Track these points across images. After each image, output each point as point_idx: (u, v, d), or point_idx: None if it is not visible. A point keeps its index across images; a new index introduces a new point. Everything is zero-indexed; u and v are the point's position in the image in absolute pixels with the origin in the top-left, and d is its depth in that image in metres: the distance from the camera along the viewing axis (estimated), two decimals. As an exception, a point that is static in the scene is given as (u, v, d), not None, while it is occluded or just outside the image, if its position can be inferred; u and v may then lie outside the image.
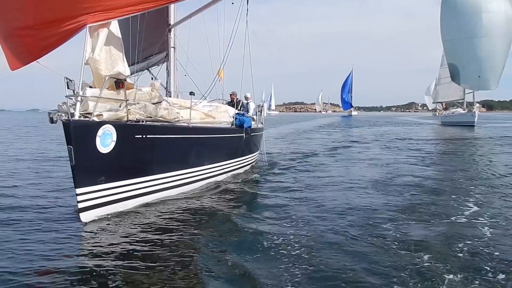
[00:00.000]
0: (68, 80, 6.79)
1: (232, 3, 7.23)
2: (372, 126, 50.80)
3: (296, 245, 5.44)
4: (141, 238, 5.82)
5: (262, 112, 14.13)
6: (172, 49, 10.67)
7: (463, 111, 47.94)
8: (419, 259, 4.94)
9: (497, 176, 11.29)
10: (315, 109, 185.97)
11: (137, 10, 6.89)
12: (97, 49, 6.76)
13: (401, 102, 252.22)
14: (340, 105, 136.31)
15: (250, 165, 12.71)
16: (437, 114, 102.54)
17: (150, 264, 4.83)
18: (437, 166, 13.78)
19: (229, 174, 10.76)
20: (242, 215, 7.06)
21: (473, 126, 41.43)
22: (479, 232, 6.09)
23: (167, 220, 6.77)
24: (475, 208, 7.52)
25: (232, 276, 4.51)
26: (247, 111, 12.68)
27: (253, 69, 12.09)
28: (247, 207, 7.79)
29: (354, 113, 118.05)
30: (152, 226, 6.41)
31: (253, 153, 12.95)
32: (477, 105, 46.09)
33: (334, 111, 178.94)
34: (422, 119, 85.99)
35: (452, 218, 6.86)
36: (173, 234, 6.04)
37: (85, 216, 6.48)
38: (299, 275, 4.50)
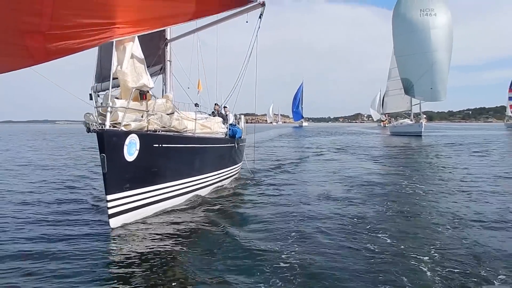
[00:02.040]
0: (93, 92, 7.08)
1: (247, 22, 7.72)
2: (328, 135, 52.90)
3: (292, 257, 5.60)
4: (161, 243, 6.11)
5: (242, 122, 14.70)
6: (168, 62, 11.00)
7: (411, 122, 50.74)
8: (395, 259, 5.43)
9: (450, 177, 13.16)
10: (266, 120, 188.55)
11: (164, 25, 7.25)
12: (124, 62, 7.08)
13: (348, 113, 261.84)
14: (290, 116, 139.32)
15: (238, 173, 13.24)
16: (382, 125, 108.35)
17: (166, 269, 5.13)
18: (402, 171, 15.02)
19: (225, 181, 11.26)
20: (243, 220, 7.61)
21: (420, 136, 43.94)
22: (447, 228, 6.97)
23: (184, 226, 7.10)
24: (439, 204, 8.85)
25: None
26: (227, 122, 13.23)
27: (208, 80, 12.74)
28: (247, 212, 8.25)
29: (304, 124, 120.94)
30: (171, 232, 6.72)
31: (240, 161, 13.51)
32: (424, 116, 49.03)
33: (285, 122, 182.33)
34: (369, 129, 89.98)
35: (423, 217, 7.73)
36: (187, 241, 6.34)
37: (113, 222, 6.74)
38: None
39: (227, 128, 11.52)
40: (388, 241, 6.20)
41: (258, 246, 5.89)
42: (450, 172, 14.44)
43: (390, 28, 45.22)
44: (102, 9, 6.62)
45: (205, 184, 9.84)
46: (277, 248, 5.83)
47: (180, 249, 5.88)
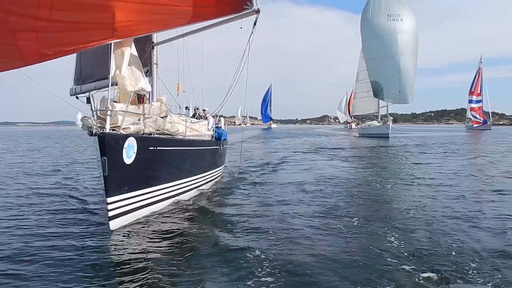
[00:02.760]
0: (89, 96, 7.14)
1: (241, 28, 7.93)
2: (297, 137, 53.79)
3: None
4: (159, 244, 6.26)
5: (222, 124, 14.88)
6: (154, 65, 11.05)
7: (378, 124, 52.12)
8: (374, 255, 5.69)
9: (415, 173, 14.84)
10: (234, 122, 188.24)
11: (161, 28, 7.35)
12: (123, 66, 7.15)
13: (315, 115, 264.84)
14: (258, 118, 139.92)
15: (221, 175, 13.40)
16: (348, 127, 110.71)
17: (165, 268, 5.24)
18: (374, 170, 16.36)
19: (211, 182, 11.43)
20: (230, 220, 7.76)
21: (388, 137, 45.20)
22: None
23: (179, 226, 7.27)
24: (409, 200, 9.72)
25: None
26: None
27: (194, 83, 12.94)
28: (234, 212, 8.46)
29: (273, 125, 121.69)
30: (165, 233, 6.86)
31: (223, 163, 13.67)
32: (390, 118, 50.45)
33: (253, 124, 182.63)
34: (337, 131, 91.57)
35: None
36: (182, 239, 6.51)
37: (113, 224, 6.81)
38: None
39: (213, 130, 11.72)
40: (356, 223, 7.29)
41: (249, 245, 6.11)
42: (415, 169, 16.12)
43: (355, 32, 46.54)
44: (99, 10, 6.65)
45: (194, 185, 9.99)
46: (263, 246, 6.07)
47: (176, 249, 6.02)
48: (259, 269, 5.14)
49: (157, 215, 7.92)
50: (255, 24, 7.75)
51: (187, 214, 8.20)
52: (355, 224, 7.34)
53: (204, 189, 10.66)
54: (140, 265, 5.30)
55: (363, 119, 61.70)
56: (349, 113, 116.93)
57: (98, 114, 7.06)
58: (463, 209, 8.50)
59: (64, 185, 12.03)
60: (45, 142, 42.79)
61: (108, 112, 6.74)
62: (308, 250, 5.85)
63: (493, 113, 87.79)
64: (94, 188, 11.28)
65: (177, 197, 9.02)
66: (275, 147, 32.58)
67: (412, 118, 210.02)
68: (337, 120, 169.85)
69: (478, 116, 78.46)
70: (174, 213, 8.22)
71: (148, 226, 7.21)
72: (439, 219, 7.66)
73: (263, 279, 4.86)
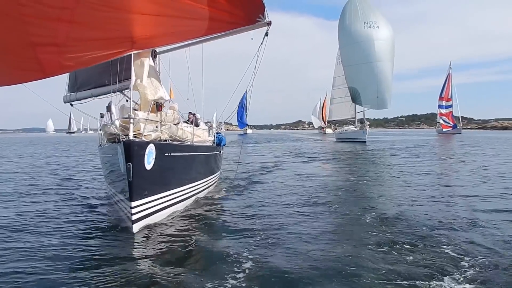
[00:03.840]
0: (108, 105, 7.35)
1: (252, 39, 8.25)
2: (276, 142, 54.32)
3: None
4: (176, 245, 6.46)
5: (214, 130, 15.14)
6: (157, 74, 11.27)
7: (356, 129, 53.20)
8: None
9: (392, 173, 16.29)
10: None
11: (177, 40, 7.63)
12: (144, 76, 7.39)
13: (289, 120, 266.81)
14: (233, 123, 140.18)
15: (219, 179, 13.69)
16: (322, 132, 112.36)
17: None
18: (355, 171, 17.29)
19: (212, 186, 11.72)
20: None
21: (365, 141, 46.20)
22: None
23: (193, 227, 7.55)
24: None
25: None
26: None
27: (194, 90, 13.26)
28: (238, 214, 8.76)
29: (249, 131, 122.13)
30: (183, 234, 7.13)
31: (220, 168, 13.96)
32: (367, 123, 51.58)
33: (228, 129, 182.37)
34: (312, 136, 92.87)
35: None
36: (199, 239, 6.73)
37: (136, 227, 7.02)
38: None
39: (214, 136, 12.02)
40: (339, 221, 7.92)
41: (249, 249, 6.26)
42: (392, 169, 17.64)
43: (327, 38, 47.75)
44: (120, 23, 6.85)
45: (201, 189, 10.25)
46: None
47: (192, 251, 6.22)
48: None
49: (171, 218, 8.17)
50: (266, 35, 8.07)
51: (198, 216, 8.47)
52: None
53: (208, 192, 10.99)
54: (164, 266, 5.51)
55: (337, 124, 62.84)
56: (323, 119, 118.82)
57: (121, 123, 7.25)
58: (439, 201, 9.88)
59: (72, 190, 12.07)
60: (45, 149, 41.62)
61: (131, 120, 6.95)
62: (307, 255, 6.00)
63: (462, 117, 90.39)
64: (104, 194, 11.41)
65: (189, 200, 9.32)
66: (256, 152, 32.99)
67: (384, 122, 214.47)
68: (311, 125, 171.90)
69: (448, 121, 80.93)
70: (188, 214, 8.54)
71: (167, 228, 7.45)
72: (410, 209, 8.92)
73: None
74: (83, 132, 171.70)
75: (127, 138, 6.76)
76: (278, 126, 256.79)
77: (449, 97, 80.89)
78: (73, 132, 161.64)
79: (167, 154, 7.97)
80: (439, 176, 15.35)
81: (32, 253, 6.10)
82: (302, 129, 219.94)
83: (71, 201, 10.51)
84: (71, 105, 14.05)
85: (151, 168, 7.23)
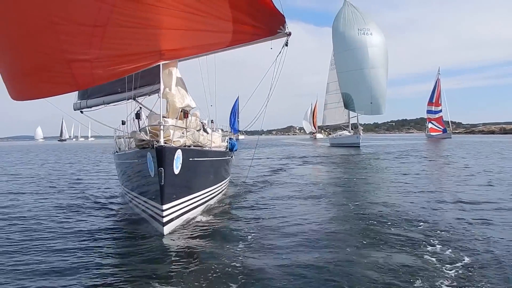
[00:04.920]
0: (137, 113, 7.71)
1: (271, 48, 8.66)
2: (270, 147, 54.69)
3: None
4: (203, 245, 6.90)
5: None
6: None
7: (349, 134, 53.86)
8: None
9: (388, 176, 17.40)
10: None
11: (203, 51, 8.03)
12: (172, 85, 7.77)
13: (280, 125, 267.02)
14: (224, 129, 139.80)
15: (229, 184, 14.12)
16: (313, 137, 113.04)
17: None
18: (352, 174, 18.36)
19: (225, 190, 12.14)
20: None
21: (359, 146, 46.88)
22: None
23: (214, 229, 7.96)
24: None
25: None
26: None
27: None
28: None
29: (241, 137, 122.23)
30: (207, 234, 7.58)
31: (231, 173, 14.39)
32: (361, 128, 52.27)
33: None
34: (304, 141, 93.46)
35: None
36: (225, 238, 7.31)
37: (166, 229, 7.38)
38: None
39: (227, 142, 12.44)
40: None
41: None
42: (388, 173, 18.91)
43: (318, 44, 48.37)
44: (149, 38, 7.26)
45: (217, 193, 10.64)
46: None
47: (216, 251, 6.56)
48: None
49: (194, 220, 8.55)
50: (286, 45, 8.49)
51: (220, 217, 8.98)
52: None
53: (222, 196, 11.43)
54: (194, 267, 5.83)
55: (328, 129, 63.58)
56: (314, 124, 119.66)
57: (150, 129, 7.60)
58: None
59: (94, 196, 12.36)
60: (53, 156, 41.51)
61: (161, 127, 7.31)
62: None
63: (451, 122, 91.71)
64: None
65: (208, 202, 9.72)
66: (254, 157, 33.38)
67: (375, 127, 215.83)
68: (302, 131, 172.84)
69: (438, 125, 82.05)
70: (209, 217, 8.98)
71: (192, 230, 7.83)
72: (403, 204, 10.15)
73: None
74: (74, 139, 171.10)
75: (159, 144, 7.10)
76: (269, 132, 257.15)
77: (439, 102, 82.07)
78: (65, 140, 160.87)
79: (191, 159, 8.34)
80: (443, 177, 16.28)
81: (61, 255, 6.42)
82: (293, 134, 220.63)
83: (89, 207, 10.84)
84: (81, 112, 14.32)
85: (179, 172, 7.59)
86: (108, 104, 13.88)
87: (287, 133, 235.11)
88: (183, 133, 8.16)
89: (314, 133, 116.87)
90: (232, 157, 12.92)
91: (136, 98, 12.73)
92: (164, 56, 7.49)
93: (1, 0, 7.34)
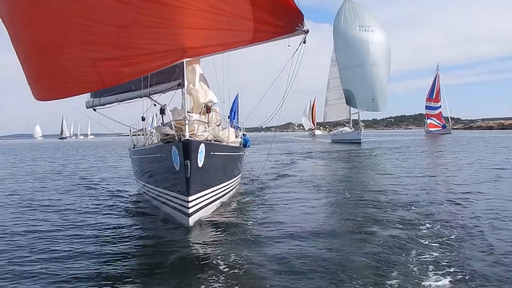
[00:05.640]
0: (161, 108, 7.99)
1: (289, 46, 8.91)
2: (271, 143, 54.79)
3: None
4: (229, 239, 7.07)
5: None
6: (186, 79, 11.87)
7: (350, 130, 54.19)
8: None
9: (390, 169, 18.09)
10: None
11: (225, 49, 8.28)
12: (196, 81, 8.03)
13: (279, 122, 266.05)
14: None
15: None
16: (311, 133, 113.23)
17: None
18: (354, 170, 18.91)
19: (239, 184, 12.46)
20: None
21: (360, 142, 47.21)
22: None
23: (239, 220, 8.40)
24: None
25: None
26: None
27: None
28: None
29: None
30: (231, 225, 7.98)
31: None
32: (362, 124, 52.57)
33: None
34: (303, 137, 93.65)
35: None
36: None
37: (191, 220, 7.67)
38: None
39: (240, 137, 12.73)
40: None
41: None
42: (390, 166, 19.82)
43: (316, 41, 48.56)
44: (174, 37, 7.53)
45: (233, 187, 10.93)
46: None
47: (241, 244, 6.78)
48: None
49: (213, 212, 8.90)
50: (304, 42, 8.73)
51: (237, 210, 9.38)
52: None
53: (237, 190, 11.75)
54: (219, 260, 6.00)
55: (329, 126, 63.85)
56: (313, 121, 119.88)
57: (175, 124, 7.87)
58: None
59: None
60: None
61: (186, 121, 7.57)
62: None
63: (451, 118, 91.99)
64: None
65: (225, 196, 10.01)
66: (261, 151, 33.69)
67: (373, 124, 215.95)
68: (301, 127, 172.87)
69: (437, 121, 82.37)
70: (228, 210, 9.37)
71: (215, 221, 8.22)
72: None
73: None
74: (74, 137, 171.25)
75: (185, 138, 7.35)
76: (268, 129, 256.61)
77: (438, 98, 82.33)
78: (65, 138, 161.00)
79: (213, 153, 8.61)
80: (449, 171, 16.57)
81: (87, 250, 6.63)
82: (292, 131, 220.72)
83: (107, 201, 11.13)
84: (94, 110, 14.54)
85: (202, 165, 7.86)
86: (121, 102, 14.09)
87: (286, 130, 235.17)
88: (205, 127, 8.43)
89: (312, 129, 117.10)
90: (245, 152, 13.21)
91: (151, 96, 12.95)
92: (188, 54, 7.73)
93: (30, 2, 7.61)
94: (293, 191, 12.21)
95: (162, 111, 8.21)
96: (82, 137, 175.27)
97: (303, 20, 8.32)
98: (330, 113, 60.71)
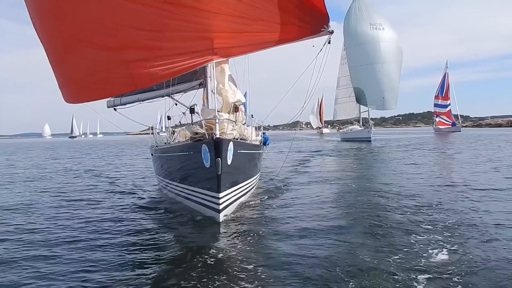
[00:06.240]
0: (191, 108, 8.26)
1: (313, 46, 9.12)
2: (283, 141, 55.16)
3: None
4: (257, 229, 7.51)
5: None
6: (208, 78, 12.09)
7: (360, 128, 54.21)
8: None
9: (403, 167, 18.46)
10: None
11: (253, 50, 8.52)
12: (226, 81, 8.28)
13: (286, 120, 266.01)
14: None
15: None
16: (319, 132, 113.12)
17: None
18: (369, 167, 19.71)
19: (258, 182, 12.74)
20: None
21: (370, 141, 47.17)
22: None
23: (262, 219, 8.50)
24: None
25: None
26: None
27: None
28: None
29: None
30: (259, 220, 8.33)
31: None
32: (372, 122, 52.57)
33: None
34: (311, 136, 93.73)
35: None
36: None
37: (221, 216, 7.96)
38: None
39: (260, 136, 12.97)
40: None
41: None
42: (402, 164, 20.25)
43: (323, 39, 48.43)
44: (203, 40, 7.81)
45: (254, 184, 11.18)
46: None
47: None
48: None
49: (240, 208, 9.23)
50: (329, 43, 8.93)
51: (260, 207, 9.67)
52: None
53: (257, 187, 12.05)
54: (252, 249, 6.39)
55: (334, 124, 63.99)
56: (320, 119, 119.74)
57: (205, 123, 8.12)
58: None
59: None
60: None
61: (216, 120, 7.81)
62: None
63: (460, 115, 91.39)
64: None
65: (248, 193, 10.29)
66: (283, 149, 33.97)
67: (381, 122, 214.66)
68: (308, 126, 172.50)
69: (447, 119, 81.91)
70: (253, 205, 9.71)
71: (242, 216, 8.55)
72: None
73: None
74: (83, 136, 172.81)
75: (216, 137, 7.59)
76: (275, 127, 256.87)
77: (448, 96, 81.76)
78: (75, 137, 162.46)
79: (239, 151, 8.85)
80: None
81: (120, 246, 6.91)
82: (300, 129, 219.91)
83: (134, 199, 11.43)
84: (115, 109, 14.83)
85: (230, 163, 8.10)
86: (142, 101, 14.38)
87: (293, 128, 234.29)
88: (233, 126, 8.66)
89: (320, 128, 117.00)
90: (265, 150, 13.45)
91: (172, 95, 13.23)
92: (217, 56, 8.00)
93: (64, 6, 7.93)
94: (311, 188, 12.54)
95: (192, 111, 8.44)
96: (91, 136, 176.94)
97: (329, 22, 8.54)
98: (340, 111, 60.61)
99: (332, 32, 8.70)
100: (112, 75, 8.14)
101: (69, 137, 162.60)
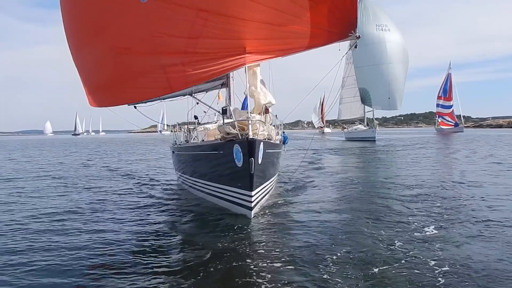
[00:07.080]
0: (223, 109, 8.68)
1: (339, 50, 9.48)
2: (291, 140, 55.55)
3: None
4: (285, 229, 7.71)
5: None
6: (231, 79, 12.55)
7: (365, 128, 54.67)
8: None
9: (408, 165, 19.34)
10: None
11: (283, 54, 8.90)
12: (258, 84, 8.68)
13: (288, 120, 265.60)
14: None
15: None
16: (320, 131, 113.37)
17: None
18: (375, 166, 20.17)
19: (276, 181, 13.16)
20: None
21: (374, 140, 47.60)
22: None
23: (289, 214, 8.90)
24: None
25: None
26: None
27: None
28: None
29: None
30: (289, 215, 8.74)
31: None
32: (376, 122, 52.96)
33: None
34: (315, 135, 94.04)
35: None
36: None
37: (252, 213, 8.32)
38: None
39: (280, 135, 13.30)
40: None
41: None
42: (406, 162, 21.42)
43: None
44: (236, 46, 8.26)
45: (275, 182, 11.61)
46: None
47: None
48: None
49: (263, 207, 9.51)
50: (355, 47, 9.32)
51: (283, 204, 10.01)
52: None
53: (279, 185, 12.53)
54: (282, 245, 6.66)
55: (343, 124, 64.32)
56: (322, 118, 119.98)
57: (237, 124, 8.49)
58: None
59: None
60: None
61: (249, 121, 8.17)
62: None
63: (462, 116, 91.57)
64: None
65: (271, 190, 10.69)
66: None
67: (383, 122, 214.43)
68: (310, 125, 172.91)
69: (450, 119, 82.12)
70: (277, 202, 10.09)
71: (270, 213, 8.98)
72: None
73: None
74: (86, 133, 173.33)
75: (250, 137, 7.90)
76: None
77: (451, 96, 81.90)
78: (79, 134, 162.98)
79: (267, 151, 9.23)
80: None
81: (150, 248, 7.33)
82: (301, 128, 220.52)
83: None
84: (135, 107, 15.17)
85: (261, 162, 8.48)
86: (164, 99, 14.74)
87: (295, 128, 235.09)
88: (263, 127, 9.06)
89: (322, 127, 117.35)
90: (283, 149, 13.84)
91: (194, 94, 13.61)
92: (249, 59, 8.42)
93: (105, 15, 8.42)
94: (328, 185, 13.10)
95: (224, 112, 8.79)
96: (93, 133, 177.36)
97: (356, 27, 8.90)
98: (345, 111, 60.91)
99: (359, 37, 9.04)
100: (149, 79, 8.64)
101: (73, 134, 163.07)
